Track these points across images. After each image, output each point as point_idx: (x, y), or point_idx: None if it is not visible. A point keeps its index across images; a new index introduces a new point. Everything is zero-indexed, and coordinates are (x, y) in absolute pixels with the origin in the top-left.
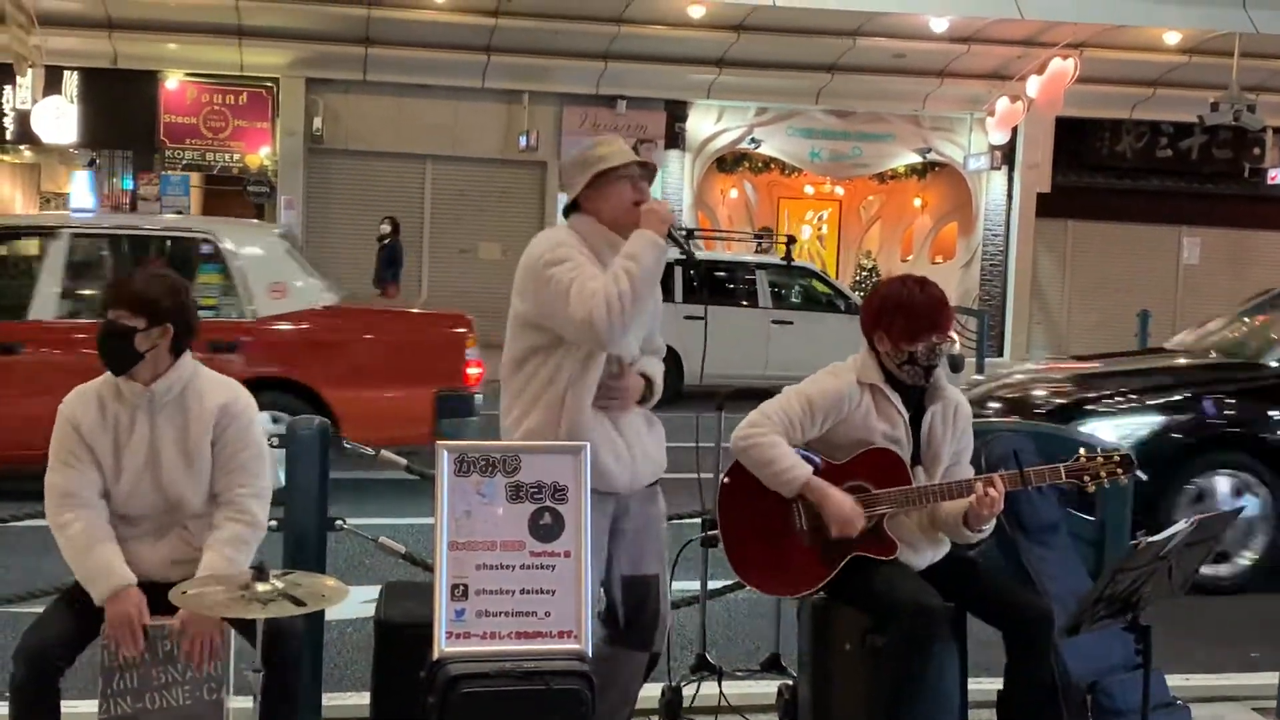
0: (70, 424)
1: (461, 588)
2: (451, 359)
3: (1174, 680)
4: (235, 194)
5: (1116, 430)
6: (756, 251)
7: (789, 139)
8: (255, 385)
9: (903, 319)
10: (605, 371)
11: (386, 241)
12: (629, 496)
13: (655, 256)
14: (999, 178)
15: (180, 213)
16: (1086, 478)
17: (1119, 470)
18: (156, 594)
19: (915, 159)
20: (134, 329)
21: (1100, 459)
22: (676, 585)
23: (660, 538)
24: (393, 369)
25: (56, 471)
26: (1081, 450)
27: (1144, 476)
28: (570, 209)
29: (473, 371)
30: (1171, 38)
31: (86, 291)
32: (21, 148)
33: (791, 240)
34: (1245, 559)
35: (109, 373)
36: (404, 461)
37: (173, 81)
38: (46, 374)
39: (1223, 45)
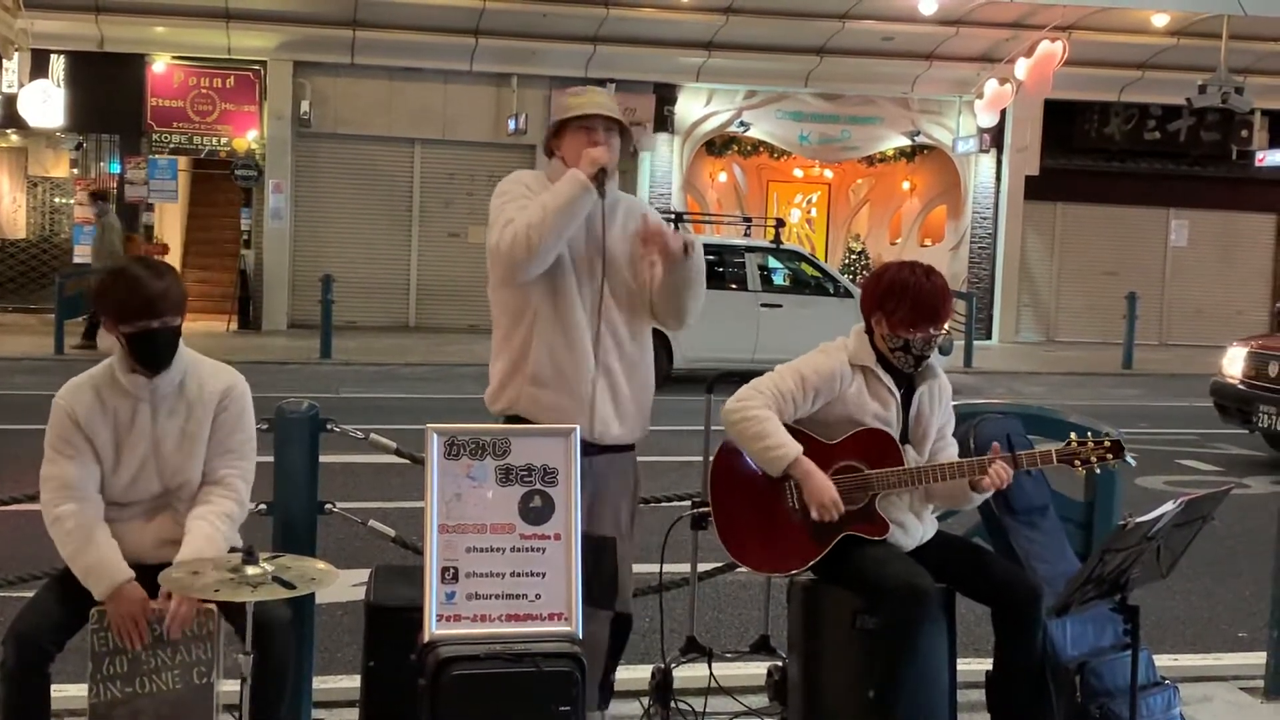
0: (68, 416)
1: (452, 570)
2: None
3: (1162, 660)
4: (223, 178)
5: None
6: (744, 235)
7: (778, 122)
8: None
9: (906, 306)
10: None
11: None
12: (591, 456)
13: (571, 191)
14: (987, 160)
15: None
16: (1077, 462)
17: (1109, 455)
18: (145, 575)
19: (904, 142)
20: (179, 328)
21: (1091, 443)
22: (666, 568)
23: (627, 508)
24: None
25: (54, 463)
26: (1072, 435)
27: (1133, 462)
28: (549, 153)
29: None
30: (1160, 20)
31: None
32: (8, 131)
33: (780, 223)
34: None
35: (107, 365)
36: (393, 445)
37: (160, 65)
38: None
39: (1211, 27)
